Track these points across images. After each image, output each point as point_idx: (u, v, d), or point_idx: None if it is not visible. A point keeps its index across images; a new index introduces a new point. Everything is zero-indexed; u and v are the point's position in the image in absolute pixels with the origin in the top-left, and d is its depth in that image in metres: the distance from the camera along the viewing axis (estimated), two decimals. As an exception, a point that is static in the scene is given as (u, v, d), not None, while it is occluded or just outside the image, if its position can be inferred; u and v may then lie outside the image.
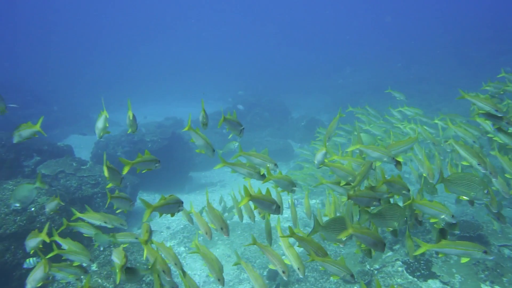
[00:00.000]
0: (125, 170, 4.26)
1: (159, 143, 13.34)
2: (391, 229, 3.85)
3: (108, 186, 4.65)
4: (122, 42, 57.06)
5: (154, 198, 12.38)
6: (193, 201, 11.53)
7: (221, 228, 4.16)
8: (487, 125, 5.33)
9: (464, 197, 3.83)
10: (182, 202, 3.92)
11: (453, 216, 3.71)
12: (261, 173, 4.13)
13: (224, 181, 14.71)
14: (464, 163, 4.54)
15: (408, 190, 3.91)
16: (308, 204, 6.01)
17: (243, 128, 4.38)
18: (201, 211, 9.04)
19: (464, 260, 3.35)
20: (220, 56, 48.61)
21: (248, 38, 57.28)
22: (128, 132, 4.67)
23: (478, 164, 4.31)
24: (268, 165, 4.07)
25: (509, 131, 4.69)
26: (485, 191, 3.66)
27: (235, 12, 66.63)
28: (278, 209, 3.80)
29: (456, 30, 35.33)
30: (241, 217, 6.00)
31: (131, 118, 4.61)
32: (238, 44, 54.26)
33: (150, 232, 3.95)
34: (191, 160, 14.75)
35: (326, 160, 4.24)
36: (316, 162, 4.27)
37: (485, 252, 3.27)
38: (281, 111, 23.30)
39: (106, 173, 4.28)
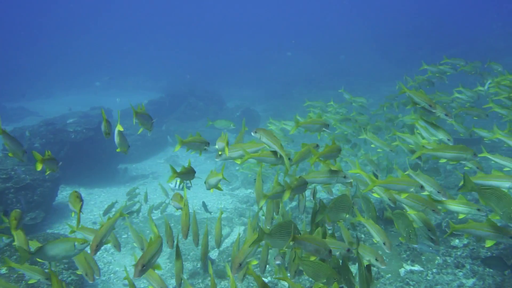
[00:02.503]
0: (38, 166, 3.96)
1: (83, 133, 12.37)
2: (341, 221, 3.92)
3: None
4: (46, 27, 52.17)
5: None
6: (121, 195, 10.91)
7: (86, 274, 3.86)
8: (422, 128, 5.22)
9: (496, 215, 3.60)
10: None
11: (422, 186, 3.69)
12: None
13: (157, 173, 14.17)
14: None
15: (339, 150, 3.95)
16: (219, 230, 5.13)
17: (154, 122, 4.23)
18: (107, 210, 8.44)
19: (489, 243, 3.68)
20: (154, 46, 46.45)
21: (183, 28, 55.60)
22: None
23: (438, 192, 3.88)
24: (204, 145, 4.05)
25: (449, 122, 4.82)
26: None
27: (171, 3, 64.25)
28: None
29: (378, 25, 37.47)
30: (196, 241, 4.98)
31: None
32: (173, 33, 52.39)
33: (20, 220, 3.51)
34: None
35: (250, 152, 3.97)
36: (217, 147, 4.00)
37: None
38: (215, 101, 22.99)
39: None
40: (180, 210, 4.29)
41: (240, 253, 3.33)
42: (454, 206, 4.02)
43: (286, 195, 3.76)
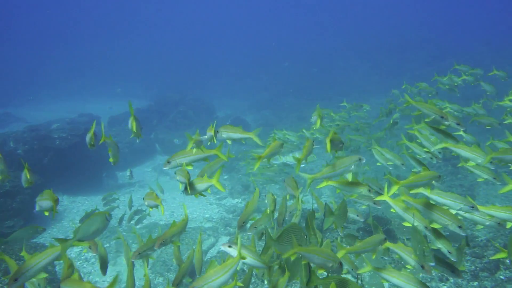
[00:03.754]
0: (26, 173, 4.03)
1: (69, 140, 12.16)
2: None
3: None
4: (36, 33, 51.80)
5: (62, 200, 11.25)
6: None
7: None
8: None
9: None
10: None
11: (439, 176, 3.48)
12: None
13: (144, 181, 13.98)
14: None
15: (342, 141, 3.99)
16: (199, 255, 4.75)
17: (141, 128, 4.34)
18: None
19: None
20: (146, 54, 46.25)
21: (175, 36, 55.64)
22: None
23: (460, 228, 3.50)
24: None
25: (460, 132, 4.72)
26: None
27: (162, 11, 64.49)
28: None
29: (368, 38, 37.89)
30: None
31: None
32: (165, 42, 52.27)
33: None
34: (107, 159, 13.72)
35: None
36: (206, 137, 4.08)
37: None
38: (206, 109, 22.90)
39: None
40: (156, 208, 4.26)
41: (200, 280, 2.76)
42: (502, 213, 3.61)
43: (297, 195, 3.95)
